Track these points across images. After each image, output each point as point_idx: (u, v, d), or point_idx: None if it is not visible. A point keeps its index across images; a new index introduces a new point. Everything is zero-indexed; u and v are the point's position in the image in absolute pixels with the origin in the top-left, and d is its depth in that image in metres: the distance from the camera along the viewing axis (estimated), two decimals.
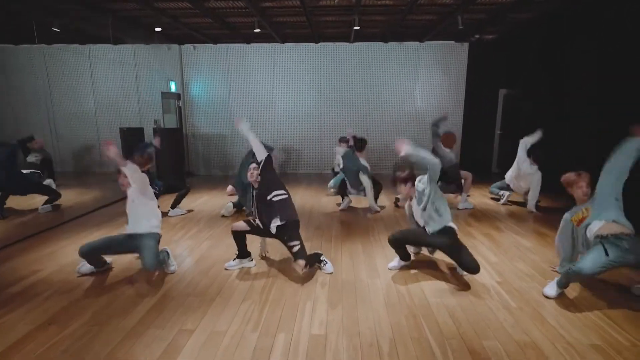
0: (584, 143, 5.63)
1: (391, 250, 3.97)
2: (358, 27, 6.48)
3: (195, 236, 4.47)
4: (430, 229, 3.27)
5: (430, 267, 3.59)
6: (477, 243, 4.22)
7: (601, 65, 5.41)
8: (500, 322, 2.65)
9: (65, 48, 8.55)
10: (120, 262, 3.69)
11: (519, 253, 3.95)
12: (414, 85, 8.61)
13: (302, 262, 3.23)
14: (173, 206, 5.39)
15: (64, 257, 3.84)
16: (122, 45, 8.38)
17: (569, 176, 3.10)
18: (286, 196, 3.42)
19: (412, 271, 3.50)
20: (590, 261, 2.73)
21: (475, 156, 8.64)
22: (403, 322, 2.65)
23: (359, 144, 5.47)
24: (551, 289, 3.02)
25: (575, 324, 2.62)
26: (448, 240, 3.24)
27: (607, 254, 2.72)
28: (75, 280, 3.30)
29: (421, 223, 3.36)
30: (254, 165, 3.41)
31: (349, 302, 2.93)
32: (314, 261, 3.47)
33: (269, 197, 3.33)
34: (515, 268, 3.57)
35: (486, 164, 8.89)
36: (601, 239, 2.81)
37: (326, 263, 3.51)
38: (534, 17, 6.51)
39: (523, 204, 5.77)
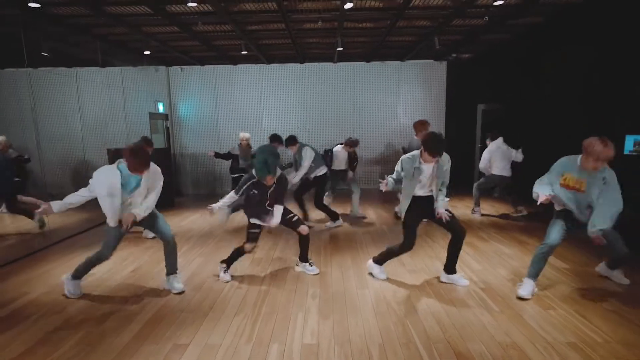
0: (557, 155, 5.92)
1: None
2: (341, 48, 6.76)
3: (187, 253, 4.51)
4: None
5: (417, 277, 3.71)
6: (461, 252, 4.36)
7: (570, 81, 5.78)
8: (484, 326, 2.78)
9: (52, 71, 8.60)
10: (112, 280, 3.71)
11: (500, 260, 4.11)
12: (396, 102, 8.93)
13: (305, 227, 3.72)
14: None
15: (53, 278, 3.82)
16: (109, 68, 8.48)
17: (594, 143, 2.87)
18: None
19: (400, 281, 3.62)
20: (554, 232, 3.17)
21: (457, 169, 8.91)
22: (392, 329, 2.76)
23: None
24: (524, 289, 3.19)
25: (553, 324, 2.77)
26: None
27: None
28: (66, 301, 3.30)
29: (427, 191, 3.37)
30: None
31: (340, 312, 3.02)
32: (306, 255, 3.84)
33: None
34: (497, 274, 3.72)
35: (468, 177, 9.17)
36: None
37: (312, 264, 3.79)
38: (506, 38, 6.92)
39: (505, 216, 6.00)
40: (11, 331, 2.83)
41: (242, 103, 8.93)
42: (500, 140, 5.94)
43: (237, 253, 3.71)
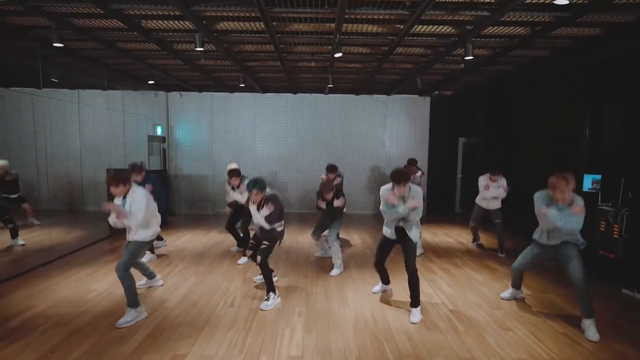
0: (535, 185, 6.49)
1: (361, 284, 4.47)
2: (332, 85, 7.33)
3: (182, 272, 4.81)
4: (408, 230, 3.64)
5: (393, 299, 4.09)
6: (436, 277, 4.78)
7: (537, 122, 6.41)
8: (449, 343, 3.16)
9: (55, 92, 8.98)
10: (115, 294, 4.00)
11: (471, 285, 4.53)
12: (383, 133, 9.51)
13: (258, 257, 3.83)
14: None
15: (56, 293, 4.09)
16: (111, 92, 8.90)
17: (551, 178, 3.28)
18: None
19: (379, 302, 3.99)
20: (522, 257, 3.83)
21: (439, 198, 9.46)
22: (368, 345, 3.12)
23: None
24: (505, 293, 4.09)
25: (509, 343, 3.17)
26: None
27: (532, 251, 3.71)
28: (72, 314, 3.58)
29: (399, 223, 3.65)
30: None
31: (322, 329, 3.37)
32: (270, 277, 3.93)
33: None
34: (466, 299, 4.13)
35: (449, 205, 9.71)
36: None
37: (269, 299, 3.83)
38: (482, 81, 7.60)
39: (480, 246, 6.48)
40: (22, 341, 3.10)
41: (237, 128, 9.40)
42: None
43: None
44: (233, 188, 5.35)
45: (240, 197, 5.25)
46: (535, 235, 3.65)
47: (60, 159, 9.01)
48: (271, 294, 3.83)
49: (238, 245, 5.75)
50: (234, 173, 5.30)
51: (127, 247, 3.63)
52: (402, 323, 3.51)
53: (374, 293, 4.23)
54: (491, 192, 5.65)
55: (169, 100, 9.39)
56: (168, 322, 3.45)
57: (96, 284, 4.36)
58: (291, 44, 5.40)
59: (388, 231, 3.77)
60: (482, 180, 5.76)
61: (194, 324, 3.41)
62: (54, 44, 4.33)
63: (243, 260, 5.19)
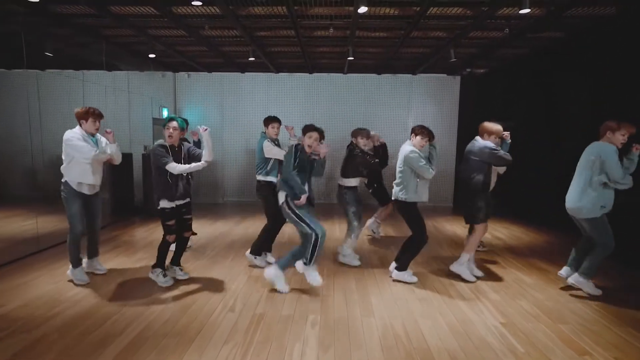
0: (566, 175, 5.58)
1: (385, 288, 3.76)
2: (352, 58, 6.53)
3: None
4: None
5: (428, 306, 3.35)
6: (477, 280, 4.00)
7: (591, 97, 5.47)
8: None
9: (59, 73, 8.50)
10: (95, 294, 3.40)
11: (521, 290, 3.74)
12: (407, 116, 8.65)
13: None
14: None
15: (32, 290, 3.53)
16: (116, 72, 8.36)
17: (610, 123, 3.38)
18: None
19: (410, 310, 3.26)
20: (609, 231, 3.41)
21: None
22: None
23: None
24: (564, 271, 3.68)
25: None
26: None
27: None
28: (42, 316, 3.00)
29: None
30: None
31: (342, 345, 2.67)
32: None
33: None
34: (518, 307, 3.35)
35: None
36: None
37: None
38: (524, 52, 6.65)
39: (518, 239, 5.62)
40: None
41: (249, 111, 8.72)
42: None
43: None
44: (275, 142, 4.25)
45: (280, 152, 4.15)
46: (602, 205, 3.37)
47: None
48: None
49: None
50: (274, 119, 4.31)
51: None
52: (442, 338, 2.77)
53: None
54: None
55: (177, 81, 8.78)
56: (151, 330, 2.82)
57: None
58: (306, 4, 4.63)
59: (424, 195, 3.80)
60: None
61: (182, 334, 2.76)
62: None
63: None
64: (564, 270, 3.73)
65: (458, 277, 4.00)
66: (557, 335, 2.84)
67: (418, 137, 3.73)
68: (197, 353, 2.53)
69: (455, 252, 5.00)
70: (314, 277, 3.51)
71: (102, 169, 3.83)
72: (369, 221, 5.56)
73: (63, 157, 3.67)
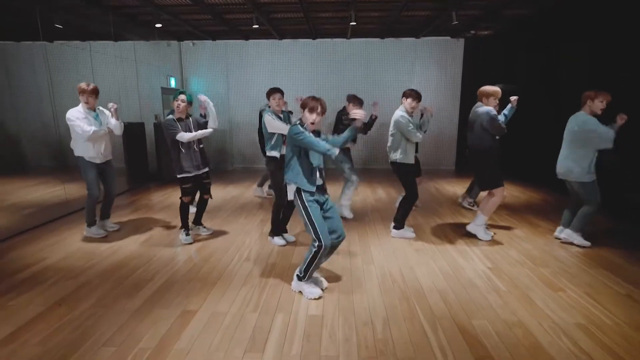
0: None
1: (385, 241, 4.10)
2: (355, 23, 6.57)
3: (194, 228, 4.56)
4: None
5: (423, 256, 3.71)
6: (470, 234, 4.33)
7: (596, 60, 5.52)
8: (490, 304, 2.77)
9: (67, 44, 8.62)
10: (125, 248, 3.81)
11: (511, 242, 4.07)
12: (410, 80, 8.71)
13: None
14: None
15: (69, 246, 3.95)
16: (122, 42, 8.46)
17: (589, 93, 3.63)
18: None
19: (406, 259, 3.62)
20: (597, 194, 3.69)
21: None
22: (396, 304, 2.77)
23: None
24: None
25: (562, 305, 2.74)
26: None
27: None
28: (82, 267, 3.41)
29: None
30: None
31: (345, 286, 3.04)
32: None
33: None
34: (507, 255, 3.69)
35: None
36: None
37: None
38: (528, 13, 6.61)
39: (515, 198, 5.90)
40: (30, 292, 2.94)
41: (254, 79, 8.84)
42: None
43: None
44: (279, 116, 3.98)
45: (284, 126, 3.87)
46: (591, 169, 3.63)
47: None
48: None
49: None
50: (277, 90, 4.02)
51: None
52: (434, 282, 3.13)
53: None
54: None
55: (182, 50, 8.87)
56: (179, 275, 3.22)
57: (107, 238, 4.18)
58: None
59: (411, 157, 4.06)
60: None
61: (205, 279, 3.16)
62: None
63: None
64: (558, 231, 4.08)
65: (454, 232, 4.34)
66: (537, 277, 3.19)
67: (409, 100, 3.98)
68: (220, 291, 2.93)
69: (453, 211, 5.32)
70: (310, 291, 2.83)
71: (106, 140, 4.13)
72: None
73: (71, 135, 4.01)
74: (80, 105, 3.96)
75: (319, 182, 2.83)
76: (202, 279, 3.18)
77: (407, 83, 8.70)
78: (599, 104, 3.58)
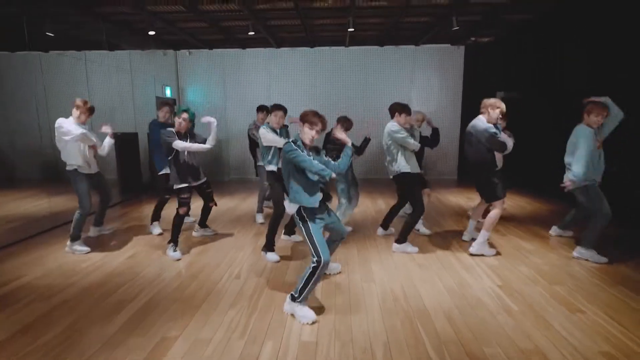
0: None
1: (387, 256, 3.85)
2: (352, 29, 6.42)
3: (185, 241, 4.32)
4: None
5: (427, 272, 3.45)
6: None
7: (599, 65, 5.33)
8: (501, 326, 2.51)
9: (63, 54, 8.51)
10: (108, 265, 3.56)
11: (520, 256, 3.81)
12: (410, 89, 8.55)
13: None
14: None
15: (50, 262, 3.70)
16: (118, 52, 8.35)
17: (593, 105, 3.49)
18: None
19: (409, 276, 3.36)
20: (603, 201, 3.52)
21: None
22: (398, 327, 2.51)
23: None
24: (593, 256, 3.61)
25: (582, 328, 2.48)
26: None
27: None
28: (60, 285, 3.17)
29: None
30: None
31: (342, 307, 2.79)
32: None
33: None
34: (517, 271, 3.43)
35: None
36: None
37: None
38: (529, 18, 6.46)
39: (521, 209, 5.65)
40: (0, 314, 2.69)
41: (251, 88, 8.69)
42: None
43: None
44: (275, 131, 3.94)
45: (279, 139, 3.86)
46: (590, 177, 3.49)
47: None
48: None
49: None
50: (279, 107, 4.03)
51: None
52: (439, 301, 2.87)
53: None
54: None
55: (178, 60, 8.74)
56: (161, 297, 2.97)
57: (91, 254, 3.94)
58: None
59: (415, 167, 3.92)
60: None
61: (191, 300, 2.91)
62: None
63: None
64: (552, 230, 4.39)
65: (459, 245, 4.10)
66: (551, 296, 2.92)
67: (403, 115, 3.86)
68: (205, 315, 2.67)
69: (457, 223, 5.07)
70: (305, 313, 2.57)
71: (91, 155, 4.03)
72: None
73: (58, 146, 3.88)
74: (71, 118, 3.88)
75: (320, 197, 2.68)
76: (187, 299, 2.92)
77: (406, 91, 8.54)
78: (593, 119, 3.45)
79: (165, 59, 8.63)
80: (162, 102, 4.34)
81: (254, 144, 5.12)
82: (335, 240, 2.97)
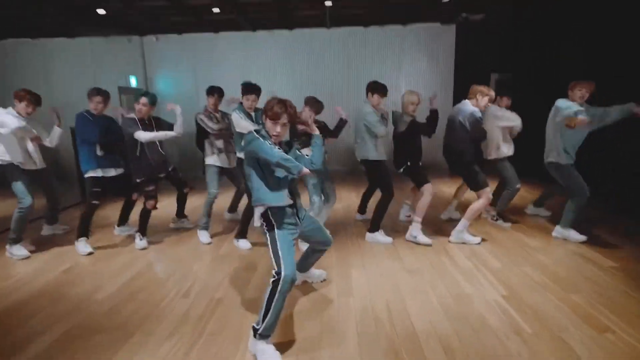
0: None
1: (370, 261, 3.28)
2: (330, 4, 5.76)
3: (133, 251, 3.68)
4: None
5: (418, 280, 2.88)
6: (475, 246, 3.52)
7: (595, 46, 4.79)
8: (511, 355, 1.96)
9: (16, 42, 7.74)
10: (37, 282, 2.93)
11: (525, 255, 3.27)
12: (398, 73, 7.93)
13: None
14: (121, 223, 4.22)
15: None
16: (78, 39, 7.61)
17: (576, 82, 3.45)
18: None
19: (396, 285, 2.79)
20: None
21: None
22: (379, 359, 1.95)
23: None
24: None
25: (614, 355, 1.93)
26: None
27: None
28: None
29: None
30: None
31: (311, 336, 2.20)
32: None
33: None
34: (523, 274, 2.88)
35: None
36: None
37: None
38: None
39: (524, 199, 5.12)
40: None
41: (225, 76, 7.95)
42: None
43: None
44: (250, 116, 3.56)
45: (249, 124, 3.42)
46: (568, 160, 3.43)
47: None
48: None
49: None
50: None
51: None
52: (432, 321, 2.31)
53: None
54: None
55: (145, 46, 8.00)
56: (86, 324, 2.36)
57: (22, 267, 3.30)
58: None
59: (383, 154, 3.68)
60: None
61: (123, 328, 2.30)
62: None
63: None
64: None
65: (456, 244, 3.55)
66: (570, 308, 2.38)
67: (375, 95, 3.63)
68: (133, 349, 2.07)
69: (453, 217, 4.52)
70: (266, 356, 1.95)
71: (35, 147, 3.68)
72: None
73: None
74: (10, 108, 3.45)
75: (289, 200, 2.16)
76: (118, 327, 2.32)
77: (394, 76, 7.92)
78: (577, 93, 3.43)
79: (130, 46, 7.89)
80: (93, 89, 3.54)
81: (202, 133, 4.10)
82: (317, 250, 2.58)
